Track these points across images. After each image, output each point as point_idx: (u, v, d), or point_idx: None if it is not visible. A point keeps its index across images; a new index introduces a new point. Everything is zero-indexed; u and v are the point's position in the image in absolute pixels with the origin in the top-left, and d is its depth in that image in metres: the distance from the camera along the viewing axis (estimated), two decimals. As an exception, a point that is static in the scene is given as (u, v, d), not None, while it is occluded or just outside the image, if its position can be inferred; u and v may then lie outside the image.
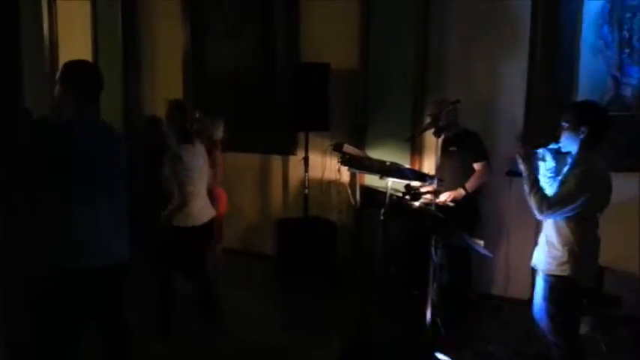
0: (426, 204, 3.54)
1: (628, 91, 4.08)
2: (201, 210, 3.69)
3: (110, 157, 2.57)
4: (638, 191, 4.05)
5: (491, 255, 3.20)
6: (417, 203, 3.19)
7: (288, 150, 5.59)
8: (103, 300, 2.65)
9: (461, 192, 3.95)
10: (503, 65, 4.51)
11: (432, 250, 3.09)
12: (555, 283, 2.74)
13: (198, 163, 3.64)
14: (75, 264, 2.45)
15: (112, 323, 2.76)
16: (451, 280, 4.03)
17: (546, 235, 2.82)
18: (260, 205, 5.82)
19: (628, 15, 4.07)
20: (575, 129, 2.67)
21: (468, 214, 3.99)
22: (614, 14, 4.10)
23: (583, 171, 2.63)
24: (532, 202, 2.75)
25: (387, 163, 3.22)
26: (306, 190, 5.14)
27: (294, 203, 5.55)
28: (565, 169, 2.76)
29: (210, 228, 3.82)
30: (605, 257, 2.95)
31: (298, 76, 4.94)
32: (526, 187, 2.79)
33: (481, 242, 2.84)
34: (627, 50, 4.06)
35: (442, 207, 3.74)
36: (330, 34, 5.24)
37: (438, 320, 3.27)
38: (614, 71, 4.12)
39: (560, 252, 2.72)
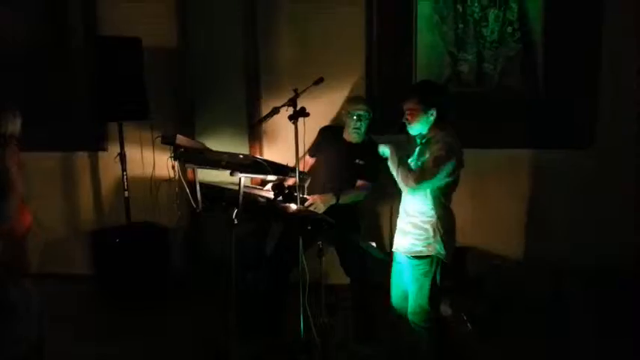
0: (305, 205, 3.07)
1: (464, 67, 4.05)
2: None
3: None
4: (490, 169, 4.08)
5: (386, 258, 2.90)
6: (294, 206, 2.64)
7: (96, 145, 4.64)
8: None
9: (331, 201, 3.38)
10: (341, 44, 4.19)
11: (319, 257, 2.70)
12: (422, 264, 2.74)
13: None
14: None
15: None
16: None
17: (408, 217, 2.79)
18: (65, 216, 4.76)
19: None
20: (424, 111, 2.70)
21: (350, 213, 3.56)
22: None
23: (444, 142, 2.65)
24: (398, 178, 2.72)
25: (240, 156, 2.65)
26: (126, 193, 4.29)
27: (110, 209, 4.64)
28: (418, 150, 2.80)
29: None
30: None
31: (103, 53, 4.03)
32: (393, 168, 2.76)
33: (373, 244, 2.48)
34: (461, 25, 4.03)
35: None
36: (138, 6, 4.38)
37: (314, 331, 2.85)
38: (450, 47, 4.06)
39: (425, 232, 2.71)
